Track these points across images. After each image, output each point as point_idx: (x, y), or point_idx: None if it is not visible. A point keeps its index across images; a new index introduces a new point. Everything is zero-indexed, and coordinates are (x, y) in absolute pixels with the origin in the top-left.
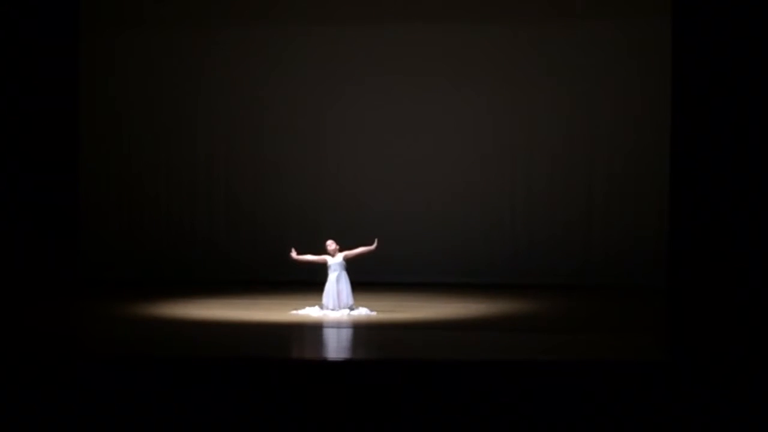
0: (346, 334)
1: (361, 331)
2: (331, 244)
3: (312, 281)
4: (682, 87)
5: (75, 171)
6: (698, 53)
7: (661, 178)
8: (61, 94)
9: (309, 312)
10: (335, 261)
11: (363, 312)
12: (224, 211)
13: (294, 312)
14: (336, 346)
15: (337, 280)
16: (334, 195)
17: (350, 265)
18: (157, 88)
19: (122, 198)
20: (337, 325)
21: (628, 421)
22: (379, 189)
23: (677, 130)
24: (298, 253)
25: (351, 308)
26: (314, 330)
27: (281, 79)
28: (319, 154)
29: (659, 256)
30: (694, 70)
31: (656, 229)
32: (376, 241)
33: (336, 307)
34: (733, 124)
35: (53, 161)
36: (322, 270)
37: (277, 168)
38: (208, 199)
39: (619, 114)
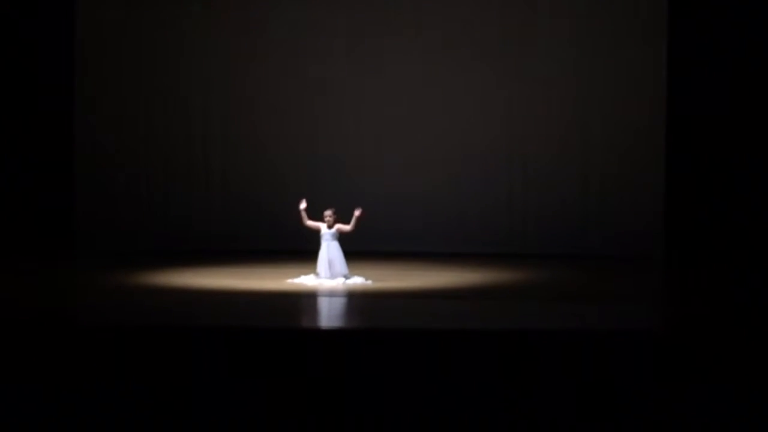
0: (341, 303)
1: (356, 299)
2: (329, 214)
3: (305, 250)
4: (680, 50)
5: (71, 144)
6: (696, 17)
7: (660, 145)
8: (55, 66)
9: (304, 280)
10: (328, 231)
11: (358, 281)
12: (220, 181)
13: (290, 281)
14: (330, 315)
15: (328, 249)
16: (328, 161)
17: (345, 234)
18: (152, 56)
19: (117, 167)
20: (332, 293)
21: (623, 392)
22: (375, 156)
23: (675, 95)
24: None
25: (346, 277)
26: (308, 298)
27: (274, 48)
28: (316, 132)
29: (658, 226)
30: (692, 32)
31: (655, 198)
32: (357, 211)
33: (329, 277)
34: (734, 87)
35: (48, 132)
36: (315, 238)
37: (274, 137)
38: (204, 171)
39: (617, 81)
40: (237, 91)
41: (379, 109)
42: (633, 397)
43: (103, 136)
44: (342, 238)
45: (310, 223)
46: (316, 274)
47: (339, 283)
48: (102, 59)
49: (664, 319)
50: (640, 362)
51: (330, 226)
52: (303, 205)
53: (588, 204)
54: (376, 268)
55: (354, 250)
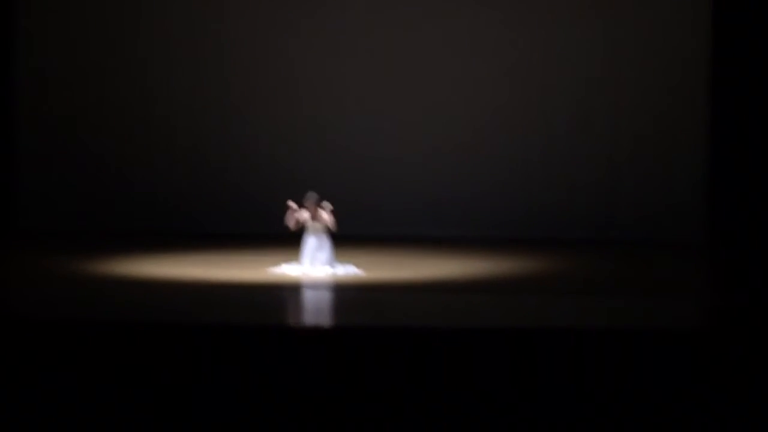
0: (328, 297)
1: (345, 292)
2: (310, 203)
3: (286, 234)
4: (724, 20)
5: (12, 107)
6: None
7: (700, 121)
8: None
9: (286, 270)
10: (313, 223)
11: (349, 270)
12: (187, 157)
13: (270, 270)
14: (317, 310)
15: (315, 239)
16: (315, 140)
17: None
18: (103, 22)
19: (66, 135)
20: (318, 285)
21: (658, 395)
22: (369, 133)
23: (718, 68)
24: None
25: (333, 266)
26: (291, 291)
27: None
28: (297, 94)
29: (699, 207)
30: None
31: (694, 178)
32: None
33: (315, 266)
34: None
35: None
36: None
37: (247, 110)
38: (168, 143)
39: (651, 40)
40: (205, 52)
41: (374, 79)
42: (671, 399)
43: (50, 99)
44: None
45: (292, 222)
46: (300, 263)
47: (326, 273)
48: (50, 15)
49: (706, 314)
50: (680, 362)
51: (314, 217)
52: (292, 204)
53: (617, 182)
54: (368, 256)
55: (343, 234)
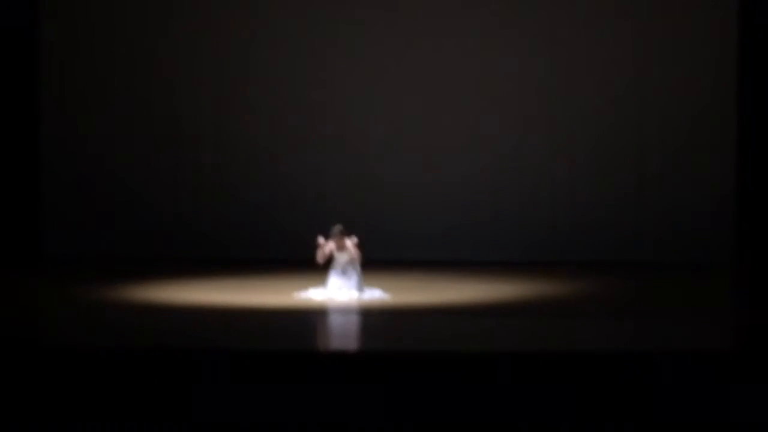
0: (357, 321)
1: (372, 317)
2: (337, 235)
3: (311, 258)
4: (749, 38)
5: (36, 143)
6: None
7: (730, 133)
8: (21, 62)
9: (312, 294)
10: (341, 256)
11: (375, 294)
12: (213, 183)
13: (296, 295)
14: (344, 335)
15: (342, 267)
16: (337, 165)
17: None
18: (128, 46)
19: (90, 162)
20: (346, 310)
21: (688, 416)
22: (391, 154)
23: (746, 89)
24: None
25: (360, 290)
26: (318, 316)
27: (271, 37)
28: (323, 120)
29: (726, 229)
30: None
31: (720, 199)
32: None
33: (342, 290)
34: None
35: (11, 132)
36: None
37: (271, 136)
38: (193, 168)
39: (678, 58)
40: (231, 81)
41: (394, 95)
42: (701, 420)
43: (73, 125)
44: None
45: (320, 257)
46: (326, 288)
47: (353, 297)
48: (73, 41)
49: (737, 334)
50: (710, 383)
51: (340, 249)
52: (321, 241)
53: (644, 203)
54: (394, 280)
55: (369, 258)
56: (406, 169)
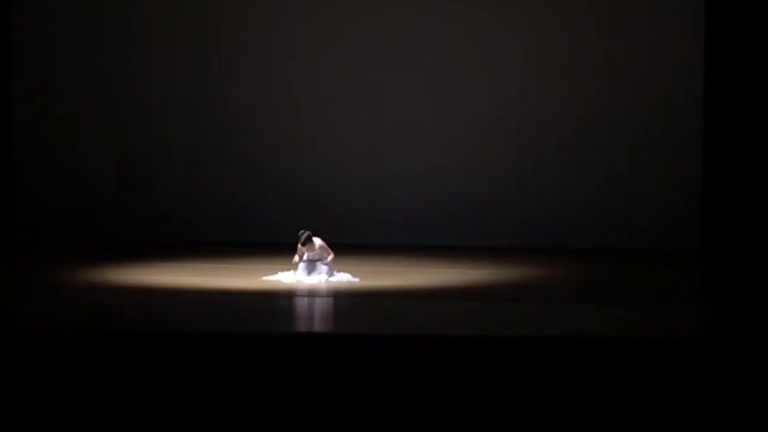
0: (325, 304)
1: (341, 300)
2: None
3: (281, 242)
4: (716, 26)
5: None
6: None
7: (697, 123)
8: None
9: (281, 277)
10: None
11: (344, 278)
12: (184, 166)
13: (265, 278)
14: (312, 318)
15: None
16: (310, 150)
17: (329, 225)
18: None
19: (62, 146)
20: (314, 293)
21: (654, 404)
22: (365, 141)
23: (712, 78)
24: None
25: (329, 274)
26: (286, 299)
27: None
28: (296, 103)
29: (693, 216)
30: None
31: (689, 187)
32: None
33: (310, 274)
34: None
35: None
36: (291, 228)
37: (246, 119)
38: (165, 152)
39: (647, 48)
40: (204, 62)
41: (367, 83)
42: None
43: (47, 108)
44: (328, 227)
45: (297, 260)
46: (295, 271)
47: (321, 281)
48: (43, 23)
49: (702, 324)
50: (677, 369)
51: (309, 250)
52: (296, 259)
53: (613, 191)
54: (364, 264)
55: (340, 243)
56: (379, 154)
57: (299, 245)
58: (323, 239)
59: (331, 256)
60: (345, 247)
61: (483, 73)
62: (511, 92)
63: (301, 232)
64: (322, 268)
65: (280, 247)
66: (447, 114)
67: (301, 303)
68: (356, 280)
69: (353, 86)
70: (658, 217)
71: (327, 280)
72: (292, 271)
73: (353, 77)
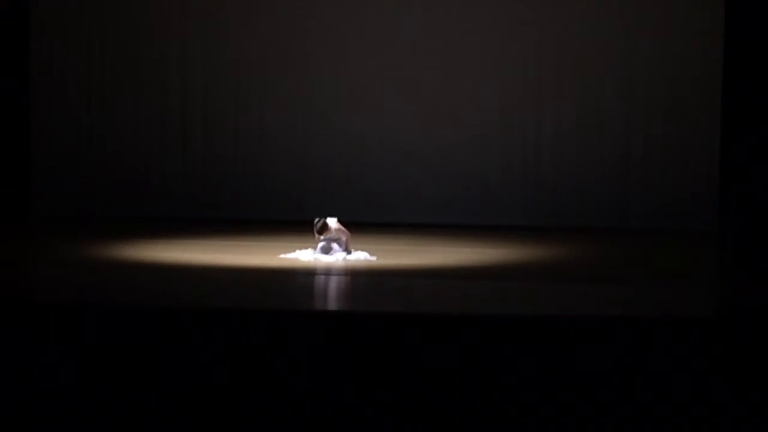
0: (342, 282)
1: (359, 278)
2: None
3: (300, 220)
4: (738, 17)
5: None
6: None
7: (713, 107)
8: (10, 17)
9: (299, 255)
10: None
11: (361, 256)
12: (201, 143)
13: (283, 256)
14: (329, 296)
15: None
16: (326, 126)
17: (346, 203)
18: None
19: (78, 121)
20: (331, 271)
21: (673, 383)
22: (380, 117)
23: (731, 61)
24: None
25: (347, 252)
26: (304, 277)
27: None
28: (307, 81)
29: (711, 195)
30: None
31: (707, 167)
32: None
33: (328, 252)
34: None
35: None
36: (312, 206)
37: (260, 95)
38: (182, 129)
39: (665, 46)
40: (221, 36)
41: (382, 56)
42: (685, 387)
43: (63, 86)
44: (345, 205)
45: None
46: (314, 249)
47: (339, 259)
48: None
49: (720, 305)
50: (694, 350)
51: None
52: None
53: (630, 169)
54: (380, 243)
55: (355, 221)
56: (396, 131)
57: (316, 234)
58: (339, 220)
59: (347, 236)
60: (362, 225)
61: (499, 54)
62: (529, 72)
63: (316, 220)
64: (340, 246)
65: (299, 225)
66: (466, 92)
67: (319, 280)
68: (374, 258)
69: (366, 61)
70: (675, 195)
71: (345, 258)
72: (310, 249)
73: (374, 60)
